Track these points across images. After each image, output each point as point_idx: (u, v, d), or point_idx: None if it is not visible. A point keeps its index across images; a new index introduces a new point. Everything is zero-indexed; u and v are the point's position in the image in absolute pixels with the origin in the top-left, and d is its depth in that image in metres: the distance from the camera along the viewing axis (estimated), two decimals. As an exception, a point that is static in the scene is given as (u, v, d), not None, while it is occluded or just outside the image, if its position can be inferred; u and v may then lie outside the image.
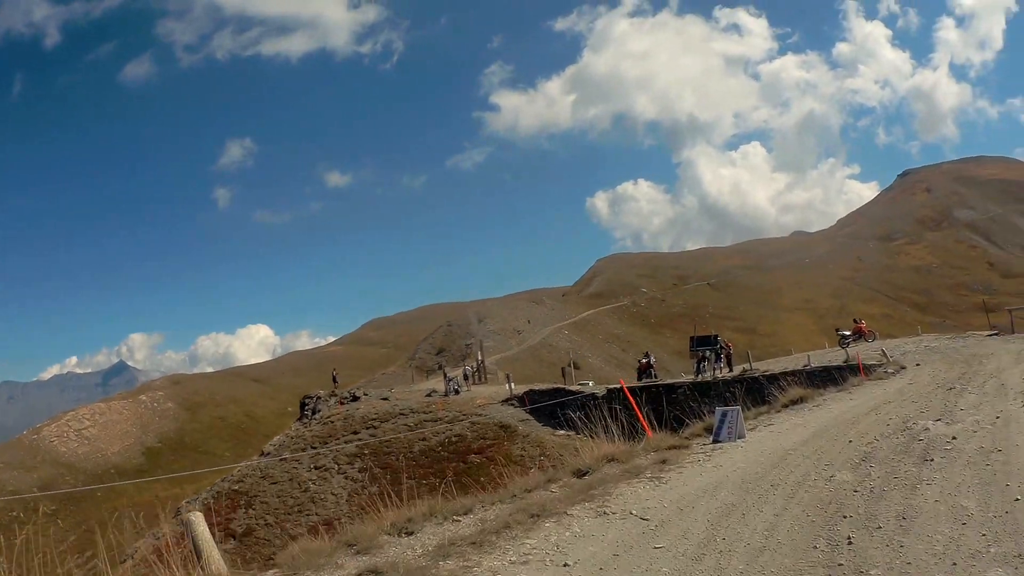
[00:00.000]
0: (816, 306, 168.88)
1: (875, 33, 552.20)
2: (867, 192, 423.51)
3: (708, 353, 50.50)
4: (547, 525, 10.02)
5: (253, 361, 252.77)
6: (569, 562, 8.46)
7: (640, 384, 50.88)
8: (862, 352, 41.44)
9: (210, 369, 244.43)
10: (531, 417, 51.78)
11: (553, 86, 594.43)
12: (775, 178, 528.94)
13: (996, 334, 43.28)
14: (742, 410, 16.90)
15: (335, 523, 48.75)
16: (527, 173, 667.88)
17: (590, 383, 69.40)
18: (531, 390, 56.22)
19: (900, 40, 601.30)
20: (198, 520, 9.28)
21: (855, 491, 10.07)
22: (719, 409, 16.46)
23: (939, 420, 14.69)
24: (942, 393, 19.63)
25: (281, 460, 53.80)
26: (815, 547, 8.11)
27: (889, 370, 30.69)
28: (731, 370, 49.59)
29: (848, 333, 52.27)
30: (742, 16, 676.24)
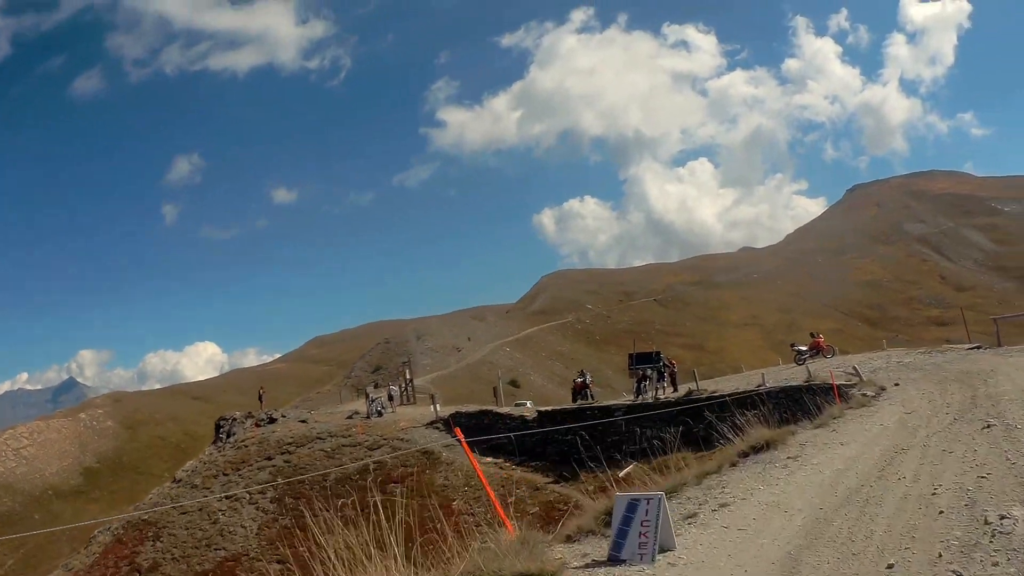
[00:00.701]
0: (764, 322, 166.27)
1: (825, 49, 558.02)
2: (814, 208, 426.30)
3: (649, 372, 46.60)
4: None
5: (201, 378, 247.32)
6: None
7: (575, 406, 48.71)
8: (826, 370, 37.56)
9: (159, 386, 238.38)
10: (456, 442, 46.00)
11: (499, 102, 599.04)
12: (722, 194, 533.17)
13: (979, 347, 38.80)
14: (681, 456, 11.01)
15: (242, 559, 44.73)
16: (473, 190, 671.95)
17: (528, 403, 67.75)
18: (457, 412, 52.89)
19: (850, 56, 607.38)
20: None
21: None
22: (623, 498, 9.40)
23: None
24: (971, 431, 14.54)
25: (192, 488, 51.83)
26: None
27: (868, 392, 25.78)
28: (676, 390, 46.06)
29: (805, 348, 49.03)
30: (691, 33, 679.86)
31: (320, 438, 53.64)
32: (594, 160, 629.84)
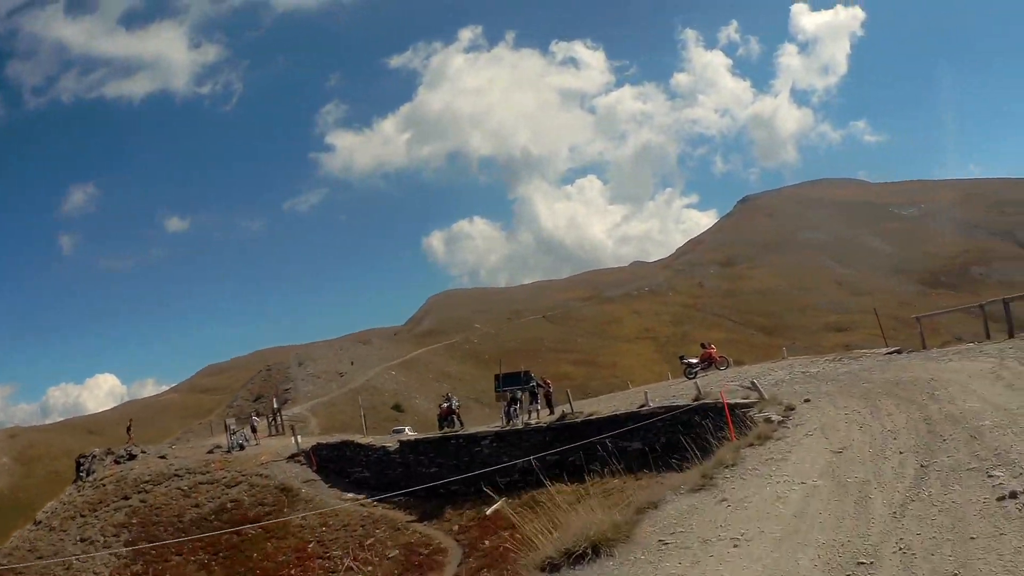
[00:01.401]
0: (657, 334, 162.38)
1: (715, 62, 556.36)
2: (705, 220, 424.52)
3: (519, 394, 42.95)
4: None
5: (99, 411, 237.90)
6: None
7: (439, 434, 45.14)
8: (719, 384, 32.79)
9: (60, 419, 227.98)
10: (318, 477, 46.27)
11: (388, 124, 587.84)
12: (611, 210, 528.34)
13: (898, 351, 32.92)
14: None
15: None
16: (363, 214, 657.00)
17: (407, 429, 64.40)
18: (318, 444, 49.83)
19: (741, 68, 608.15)
20: None
21: None
22: None
23: None
24: (977, 506, 8.65)
25: (49, 531, 48.46)
26: None
27: (772, 416, 19.70)
28: (552, 412, 41.56)
29: (695, 361, 45.11)
30: (579, 49, 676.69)
31: (178, 475, 50.25)
32: (483, 180, 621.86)
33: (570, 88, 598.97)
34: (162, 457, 55.11)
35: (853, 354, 36.40)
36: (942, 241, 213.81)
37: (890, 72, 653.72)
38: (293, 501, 43.68)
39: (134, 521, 46.13)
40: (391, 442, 46.05)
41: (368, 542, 37.27)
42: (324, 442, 50.86)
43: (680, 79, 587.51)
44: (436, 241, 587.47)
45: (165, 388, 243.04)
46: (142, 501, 47.85)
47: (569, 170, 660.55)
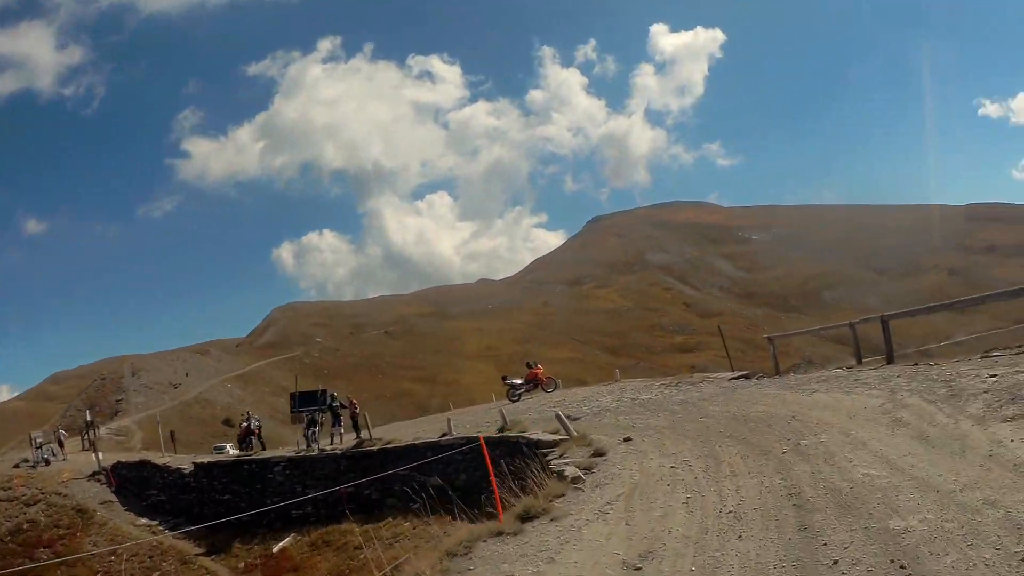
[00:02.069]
0: (499, 353, 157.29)
1: (570, 80, 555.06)
2: (554, 240, 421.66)
3: (319, 415, 39.41)
4: None
5: None
6: None
7: (231, 458, 43.73)
8: (539, 409, 30.59)
9: None
10: (116, 498, 43.79)
11: (244, 133, 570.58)
12: (460, 227, 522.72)
13: (745, 376, 27.92)
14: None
15: None
16: (214, 222, 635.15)
17: (228, 447, 60.23)
18: (118, 463, 47.32)
19: (596, 87, 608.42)
20: None
21: None
22: None
23: None
24: None
25: None
26: None
27: (567, 472, 14.60)
28: (358, 436, 38.26)
29: (519, 382, 41.45)
30: (436, 63, 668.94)
31: (-22, 490, 47.07)
32: (334, 193, 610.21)
33: (425, 102, 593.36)
34: (-35, 470, 51.40)
35: (694, 378, 31.41)
36: (792, 265, 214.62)
37: (747, 96, 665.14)
38: (88, 524, 41.60)
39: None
40: (186, 464, 43.43)
41: (154, 576, 34.14)
42: (124, 460, 48.64)
43: (535, 96, 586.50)
44: (285, 253, 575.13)
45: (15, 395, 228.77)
46: (-61, 522, 44.30)
47: (420, 185, 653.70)
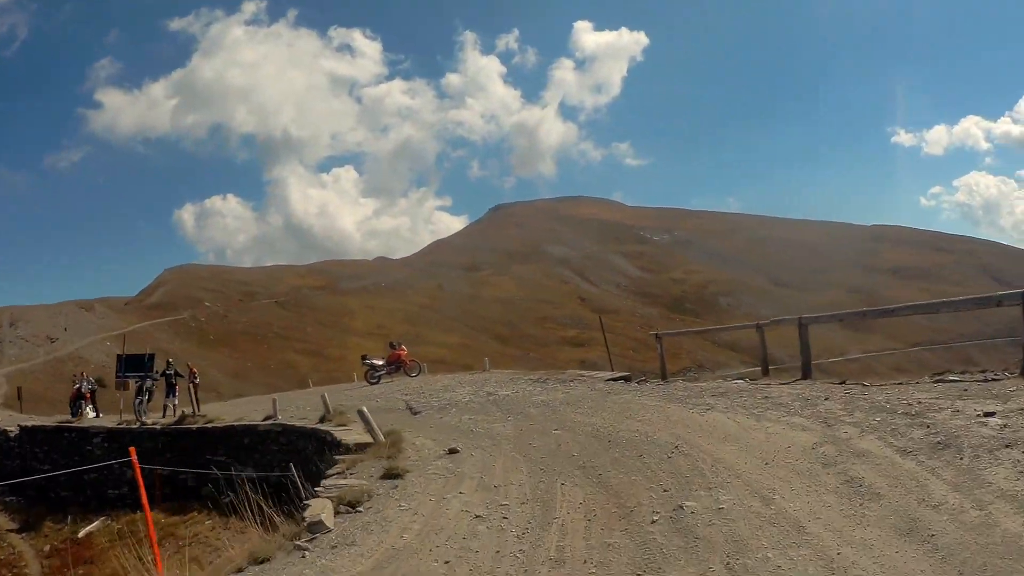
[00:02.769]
0: (388, 332, 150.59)
1: (489, 68, 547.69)
2: (457, 224, 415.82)
3: (149, 384, 34.40)
4: None
5: None
6: None
7: (55, 422, 37.31)
8: (386, 396, 26.88)
9: None
10: None
11: (158, 88, 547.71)
12: (364, 203, 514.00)
13: (625, 378, 23.26)
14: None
15: None
16: (120, 178, 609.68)
17: (88, 408, 49.40)
18: None
19: (513, 77, 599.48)
20: None
21: None
22: None
23: None
24: None
25: None
26: None
27: (313, 510, 9.64)
28: (198, 410, 34.27)
29: (380, 363, 37.74)
30: (357, 37, 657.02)
31: None
32: (241, 158, 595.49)
33: (342, 75, 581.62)
34: None
35: (566, 375, 26.44)
36: (691, 269, 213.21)
37: (662, 101, 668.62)
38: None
39: None
40: (12, 426, 37.33)
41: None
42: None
43: (452, 79, 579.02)
44: (187, 214, 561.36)
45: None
46: None
47: (327, 157, 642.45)
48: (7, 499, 32.77)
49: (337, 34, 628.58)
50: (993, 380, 12.66)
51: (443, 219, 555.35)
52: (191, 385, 36.34)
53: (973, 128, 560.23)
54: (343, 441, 16.13)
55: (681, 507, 7.77)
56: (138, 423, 32.87)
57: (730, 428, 11.52)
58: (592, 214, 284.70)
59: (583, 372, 26.94)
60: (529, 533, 7.71)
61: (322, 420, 21.62)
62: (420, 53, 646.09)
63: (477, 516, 8.63)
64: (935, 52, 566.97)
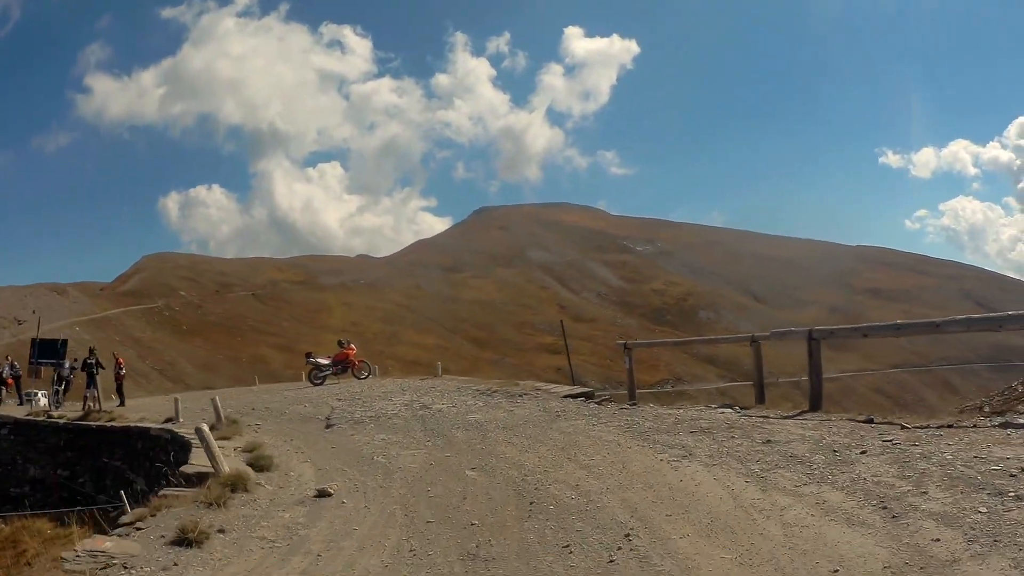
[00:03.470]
0: (364, 330, 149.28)
1: (479, 70, 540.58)
2: (440, 226, 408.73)
3: (66, 372, 32.71)
4: None
5: None
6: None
7: None
8: (308, 407, 22.11)
9: None
10: None
11: (148, 76, 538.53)
12: (348, 200, 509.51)
13: (586, 396, 18.95)
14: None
15: None
16: (105, 164, 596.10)
17: (40, 394, 45.06)
18: None
19: (503, 80, 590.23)
20: None
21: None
22: None
23: None
24: None
25: None
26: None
27: None
28: (122, 402, 32.14)
29: (325, 362, 33.99)
30: (348, 34, 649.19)
31: None
32: (227, 149, 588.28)
33: (331, 71, 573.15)
34: None
35: (520, 387, 21.90)
36: (672, 281, 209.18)
37: (651, 111, 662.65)
38: None
39: None
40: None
41: None
42: None
43: (441, 80, 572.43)
44: (172, 203, 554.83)
45: None
46: None
47: (313, 152, 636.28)
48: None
49: (328, 30, 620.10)
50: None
51: (427, 220, 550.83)
52: (117, 376, 33.07)
53: (962, 152, 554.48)
54: (185, 469, 12.16)
55: None
56: (44, 415, 29.53)
57: (719, 503, 7.31)
58: (575, 221, 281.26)
59: (540, 385, 22.49)
60: None
61: (212, 429, 17.09)
62: (410, 52, 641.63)
63: None
64: (927, 73, 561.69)
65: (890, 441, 8.80)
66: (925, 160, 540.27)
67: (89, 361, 31.26)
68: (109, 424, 25.23)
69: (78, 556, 7.27)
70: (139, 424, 23.38)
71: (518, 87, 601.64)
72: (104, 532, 9.74)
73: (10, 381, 36.56)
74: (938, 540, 5.72)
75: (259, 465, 11.90)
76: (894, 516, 6.27)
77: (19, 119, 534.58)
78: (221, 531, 7.96)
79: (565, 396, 18.48)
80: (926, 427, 9.63)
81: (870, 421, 10.90)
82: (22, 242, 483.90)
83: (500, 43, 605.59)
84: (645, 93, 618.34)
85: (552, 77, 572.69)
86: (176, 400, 23.51)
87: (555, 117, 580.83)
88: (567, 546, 6.64)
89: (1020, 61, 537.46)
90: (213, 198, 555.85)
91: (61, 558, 7.65)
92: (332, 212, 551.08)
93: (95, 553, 7.37)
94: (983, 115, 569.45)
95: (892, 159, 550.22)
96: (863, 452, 8.36)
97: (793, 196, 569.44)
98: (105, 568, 7.07)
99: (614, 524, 7.02)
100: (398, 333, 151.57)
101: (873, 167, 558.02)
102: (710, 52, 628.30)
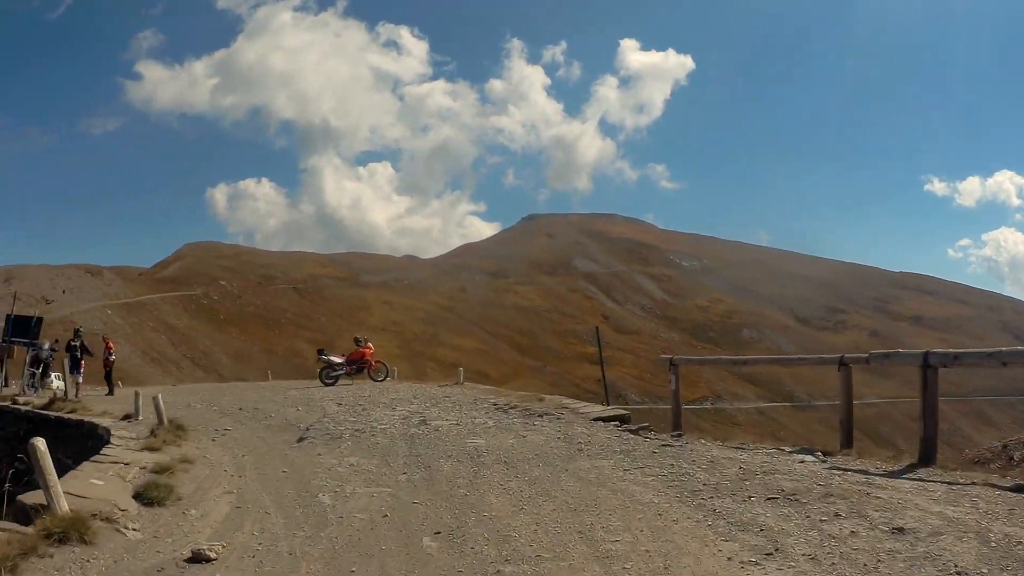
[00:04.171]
0: (404, 330, 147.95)
1: (533, 78, 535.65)
2: (488, 231, 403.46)
3: (45, 354, 29.67)
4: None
5: None
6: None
7: None
8: (301, 412, 18.62)
9: None
10: None
11: (200, 66, 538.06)
12: (397, 200, 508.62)
13: (621, 420, 15.09)
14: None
15: None
16: (154, 152, 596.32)
17: (53, 376, 41.67)
18: None
19: (557, 89, 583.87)
20: None
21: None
22: None
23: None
24: None
25: None
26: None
27: None
28: (111, 391, 29.83)
29: (339, 360, 30.49)
30: (404, 35, 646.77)
31: None
32: (278, 144, 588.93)
33: (386, 70, 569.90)
34: None
35: (545, 403, 18.04)
36: (715, 298, 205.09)
37: (703, 127, 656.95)
38: None
39: None
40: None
41: None
42: None
43: (495, 85, 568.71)
44: (220, 194, 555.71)
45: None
46: None
47: (364, 151, 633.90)
48: None
49: (385, 30, 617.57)
50: None
51: (475, 224, 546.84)
52: (106, 362, 30.44)
53: (1007, 183, 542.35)
54: (29, 494, 8.38)
55: None
56: (10, 400, 26.48)
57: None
58: (623, 233, 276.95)
59: (568, 403, 18.71)
60: None
61: (152, 434, 14.75)
62: (466, 56, 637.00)
63: None
64: (975, 101, 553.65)
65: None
66: (970, 189, 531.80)
67: (73, 343, 28.60)
68: (67, 416, 22.02)
69: None
70: (92, 420, 20.35)
71: (572, 97, 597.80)
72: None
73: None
74: None
75: (149, 497, 8.80)
76: None
77: (67, 101, 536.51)
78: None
79: (595, 419, 14.99)
80: None
81: (1019, 489, 7.36)
82: (62, 224, 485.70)
83: (556, 52, 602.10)
84: (698, 109, 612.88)
85: (606, 88, 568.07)
86: (137, 394, 20.27)
87: (607, 128, 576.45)
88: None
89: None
90: (262, 191, 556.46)
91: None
92: (380, 211, 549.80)
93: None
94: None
95: (937, 187, 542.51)
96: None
97: (837, 219, 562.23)
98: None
99: None
100: (438, 335, 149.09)
101: (918, 194, 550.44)
102: (762, 73, 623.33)
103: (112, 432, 15.50)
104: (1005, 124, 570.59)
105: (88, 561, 6.37)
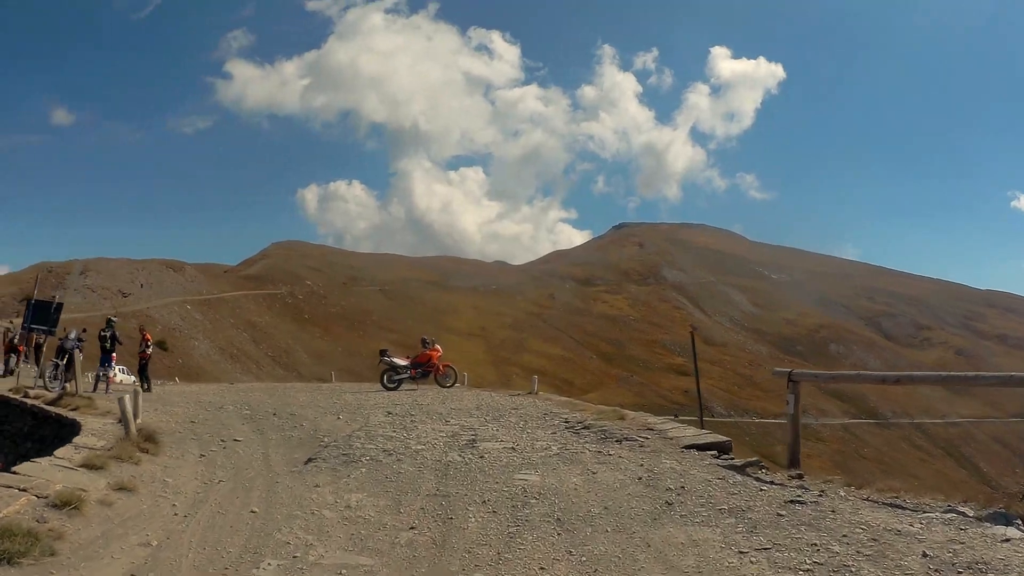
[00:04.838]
0: (491, 335, 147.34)
1: (624, 84, 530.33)
2: (579, 238, 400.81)
3: (70, 344, 24.60)
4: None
5: None
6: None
7: None
8: (334, 421, 16.32)
9: None
10: None
11: (290, 67, 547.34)
12: (488, 205, 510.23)
13: (720, 449, 11.34)
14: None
15: None
16: (243, 151, 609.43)
17: (118, 369, 39.42)
18: None
19: (648, 96, 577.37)
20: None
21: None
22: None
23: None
24: None
25: None
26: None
27: None
28: (147, 387, 24.81)
29: (403, 363, 27.30)
30: (496, 39, 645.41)
31: None
32: (369, 146, 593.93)
33: (477, 74, 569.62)
34: None
35: (627, 423, 14.76)
36: (804, 311, 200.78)
37: (793, 137, 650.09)
38: None
39: None
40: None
41: None
42: None
43: (587, 91, 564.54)
44: (310, 195, 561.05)
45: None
46: None
47: (455, 156, 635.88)
48: None
49: (476, 34, 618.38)
50: None
51: (566, 231, 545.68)
52: (141, 355, 26.77)
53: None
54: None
55: None
56: (22, 392, 23.33)
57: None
58: (711, 243, 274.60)
59: (653, 423, 15.12)
60: None
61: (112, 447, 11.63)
62: (558, 62, 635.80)
63: None
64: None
65: None
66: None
67: (104, 334, 26.00)
68: (69, 416, 19.30)
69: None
70: (93, 419, 17.57)
71: (663, 104, 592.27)
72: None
73: (18, 347, 32.92)
74: None
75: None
76: None
77: (155, 99, 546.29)
78: None
79: (687, 446, 11.67)
80: None
81: None
82: (147, 220, 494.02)
83: (647, 59, 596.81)
84: (789, 119, 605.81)
85: (697, 96, 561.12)
86: (137, 393, 17.02)
87: (698, 136, 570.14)
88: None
89: None
90: (352, 193, 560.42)
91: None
92: (470, 216, 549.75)
93: None
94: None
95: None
96: None
97: (924, 234, 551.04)
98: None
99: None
100: (525, 341, 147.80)
101: (1005, 210, 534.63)
102: (853, 85, 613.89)
103: (76, 438, 12.71)
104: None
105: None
